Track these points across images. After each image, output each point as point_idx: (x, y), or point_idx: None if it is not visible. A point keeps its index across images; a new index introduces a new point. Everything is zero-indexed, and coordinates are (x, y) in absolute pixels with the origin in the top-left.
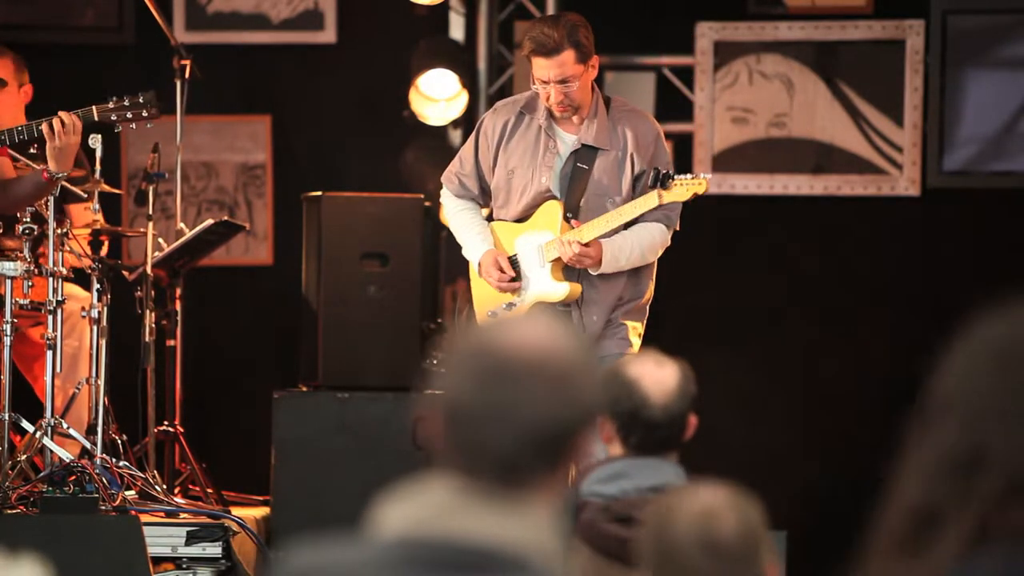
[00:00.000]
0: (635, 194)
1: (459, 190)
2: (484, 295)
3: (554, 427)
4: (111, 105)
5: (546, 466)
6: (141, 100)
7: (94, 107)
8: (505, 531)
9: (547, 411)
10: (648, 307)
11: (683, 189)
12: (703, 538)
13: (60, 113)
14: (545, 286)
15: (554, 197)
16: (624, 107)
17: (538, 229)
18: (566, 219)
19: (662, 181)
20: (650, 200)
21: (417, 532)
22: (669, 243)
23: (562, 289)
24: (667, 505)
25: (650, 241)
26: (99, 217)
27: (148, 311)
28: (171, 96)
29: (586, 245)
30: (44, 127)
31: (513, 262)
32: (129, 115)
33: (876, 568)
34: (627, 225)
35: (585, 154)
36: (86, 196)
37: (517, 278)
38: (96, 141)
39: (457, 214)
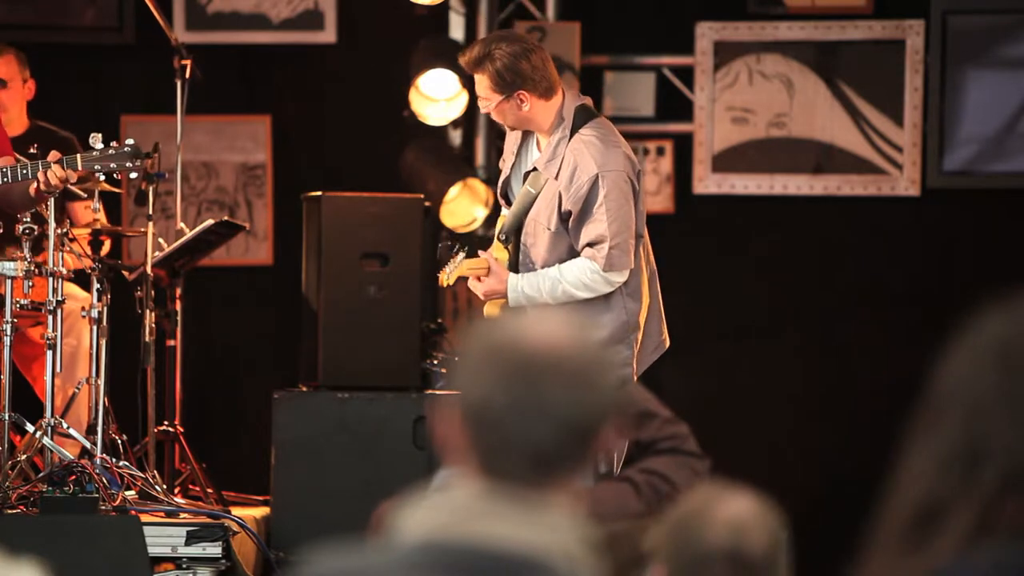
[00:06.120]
0: (566, 229)
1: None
2: None
3: (583, 418)
4: (96, 155)
5: (576, 459)
6: (127, 150)
7: (78, 156)
8: (531, 534)
9: (575, 403)
10: (622, 339)
11: (456, 270)
12: (731, 551)
13: (54, 166)
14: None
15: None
16: (585, 138)
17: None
18: (499, 239)
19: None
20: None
21: (441, 536)
22: (613, 284)
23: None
24: (696, 510)
25: (574, 277)
26: (100, 216)
27: (148, 311)
28: (171, 96)
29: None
30: (40, 174)
31: None
32: (113, 165)
33: (878, 563)
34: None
35: (536, 177)
36: (86, 195)
37: None
38: (96, 141)
39: None
